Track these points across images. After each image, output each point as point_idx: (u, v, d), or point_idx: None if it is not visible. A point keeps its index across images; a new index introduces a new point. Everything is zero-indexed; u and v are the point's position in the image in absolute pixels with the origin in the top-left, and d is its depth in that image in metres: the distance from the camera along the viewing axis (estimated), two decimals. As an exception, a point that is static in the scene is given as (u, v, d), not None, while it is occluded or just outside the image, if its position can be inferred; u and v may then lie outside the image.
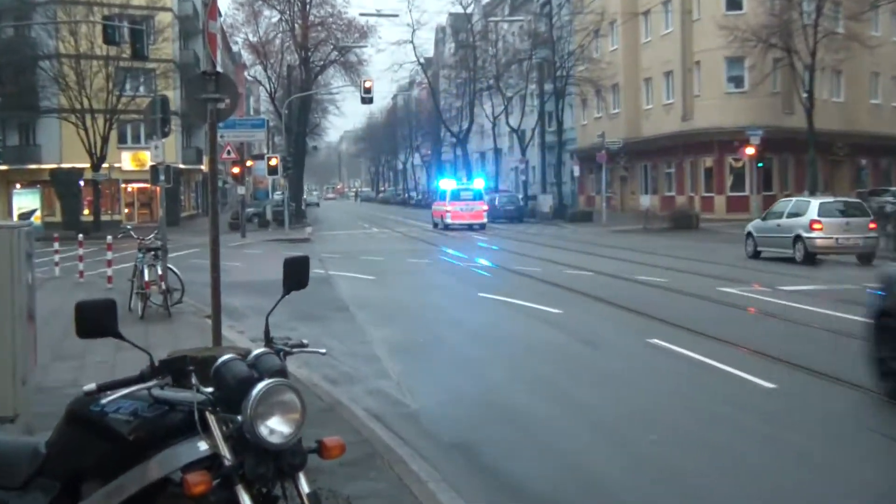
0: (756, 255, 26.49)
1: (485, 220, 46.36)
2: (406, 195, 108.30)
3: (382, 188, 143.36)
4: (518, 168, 67.27)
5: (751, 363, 10.60)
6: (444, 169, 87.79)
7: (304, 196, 77.35)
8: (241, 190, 46.01)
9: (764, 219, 27.23)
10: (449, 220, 46.09)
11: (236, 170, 45.70)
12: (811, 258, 24.54)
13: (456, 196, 47.30)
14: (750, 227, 27.61)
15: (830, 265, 24.38)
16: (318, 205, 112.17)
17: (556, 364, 11.23)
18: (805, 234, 24.53)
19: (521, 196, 60.92)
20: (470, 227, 45.34)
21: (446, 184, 50.29)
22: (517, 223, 51.75)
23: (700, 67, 49.03)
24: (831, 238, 24.47)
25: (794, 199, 28.68)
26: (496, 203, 54.86)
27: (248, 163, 57.89)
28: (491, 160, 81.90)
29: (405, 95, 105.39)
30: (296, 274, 3.98)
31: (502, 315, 15.62)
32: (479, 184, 51.41)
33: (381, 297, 18.47)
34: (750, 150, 41.60)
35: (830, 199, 26.83)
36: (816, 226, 24.43)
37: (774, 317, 14.52)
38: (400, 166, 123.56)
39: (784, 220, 25.61)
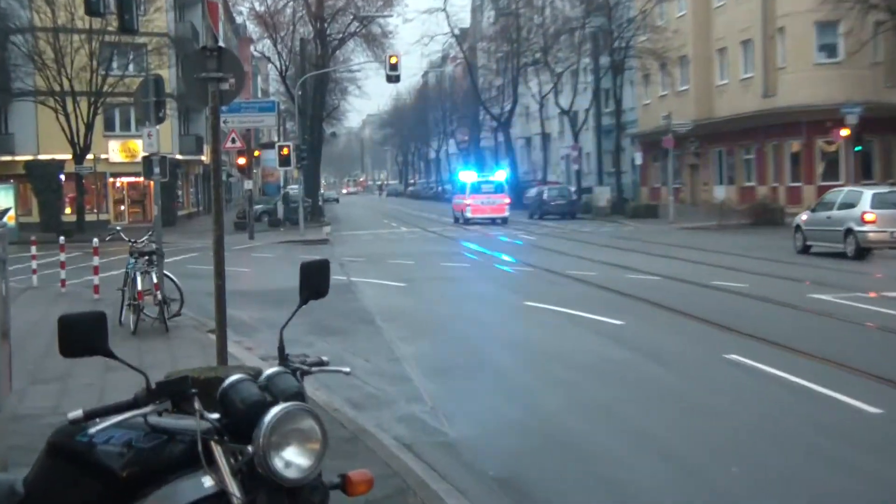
0: (805, 249, 27.51)
1: (507, 213, 50.75)
2: (439, 188, 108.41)
3: (412, 180, 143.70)
4: (570, 156, 67.19)
5: (850, 383, 10.47)
6: (483, 157, 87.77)
7: (322, 190, 77.70)
8: (247, 184, 46.23)
9: (814, 210, 28.13)
10: (469, 214, 50.48)
11: (242, 161, 45.94)
12: (863, 253, 25.34)
13: (476, 189, 51.51)
14: (798, 219, 28.50)
15: (890, 261, 25.00)
16: (337, 200, 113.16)
17: (617, 385, 11.17)
18: (857, 228, 25.42)
19: (573, 188, 60.87)
20: (492, 221, 49.71)
21: (466, 176, 54.57)
22: (569, 220, 52.06)
23: (784, 34, 48.61)
24: (885, 231, 25.33)
25: (845, 188, 29.59)
26: (544, 197, 55.40)
27: (256, 153, 58.24)
28: (538, 147, 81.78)
29: (437, 73, 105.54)
30: (314, 281, 4.00)
31: (553, 327, 15.57)
32: (500, 175, 55.18)
33: (413, 308, 18.50)
34: (845, 132, 41.17)
35: (885, 190, 27.78)
36: (869, 217, 25.30)
37: (878, 328, 14.37)
38: (432, 155, 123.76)
39: (834, 213, 26.50)
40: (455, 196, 57.76)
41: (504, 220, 50.28)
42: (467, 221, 50.20)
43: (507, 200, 51.67)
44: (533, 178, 78.74)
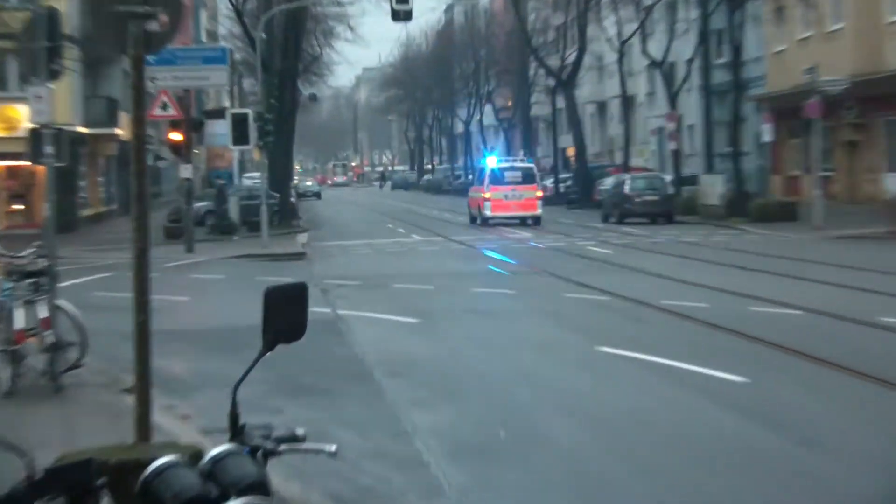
0: None
1: (539, 210, 53.98)
2: (469, 176, 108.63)
3: (429, 165, 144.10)
4: (664, 130, 67.20)
5: None
6: (533, 131, 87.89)
7: (295, 180, 78.06)
8: (185, 171, 46.35)
9: None
10: (488, 213, 53.82)
11: (177, 136, 46.14)
12: None
13: (498, 178, 54.55)
14: None
15: None
16: (318, 195, 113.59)
17: (739, 474, 11.12)
18: None
19: (669, 178, 60.79)
20: (521, 221, 53.36)
21: (489, 162, 58.27)
22: (664, 224, 52.32)
23: None
24: None
25: None
26: (626, 190, 55.31)
27: (200, 124, 58.45)
28: (615, 116, 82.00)
29: (467, 7, 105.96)
30: (283, 315, 4.00)
31: (640, 386, 15.53)
32: (528, 162, 59.54)
33: (430, 356, 18.58)
34: None
35: None
36: None
37: None
38: (459, 128, 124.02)
39: None
40: (471, 188, 60.82)
41: (536, 220, 53.39)
42: (486, 221, 53.27)
43: (540, 194, 55.16)
44: (608, 162, 78.90)
